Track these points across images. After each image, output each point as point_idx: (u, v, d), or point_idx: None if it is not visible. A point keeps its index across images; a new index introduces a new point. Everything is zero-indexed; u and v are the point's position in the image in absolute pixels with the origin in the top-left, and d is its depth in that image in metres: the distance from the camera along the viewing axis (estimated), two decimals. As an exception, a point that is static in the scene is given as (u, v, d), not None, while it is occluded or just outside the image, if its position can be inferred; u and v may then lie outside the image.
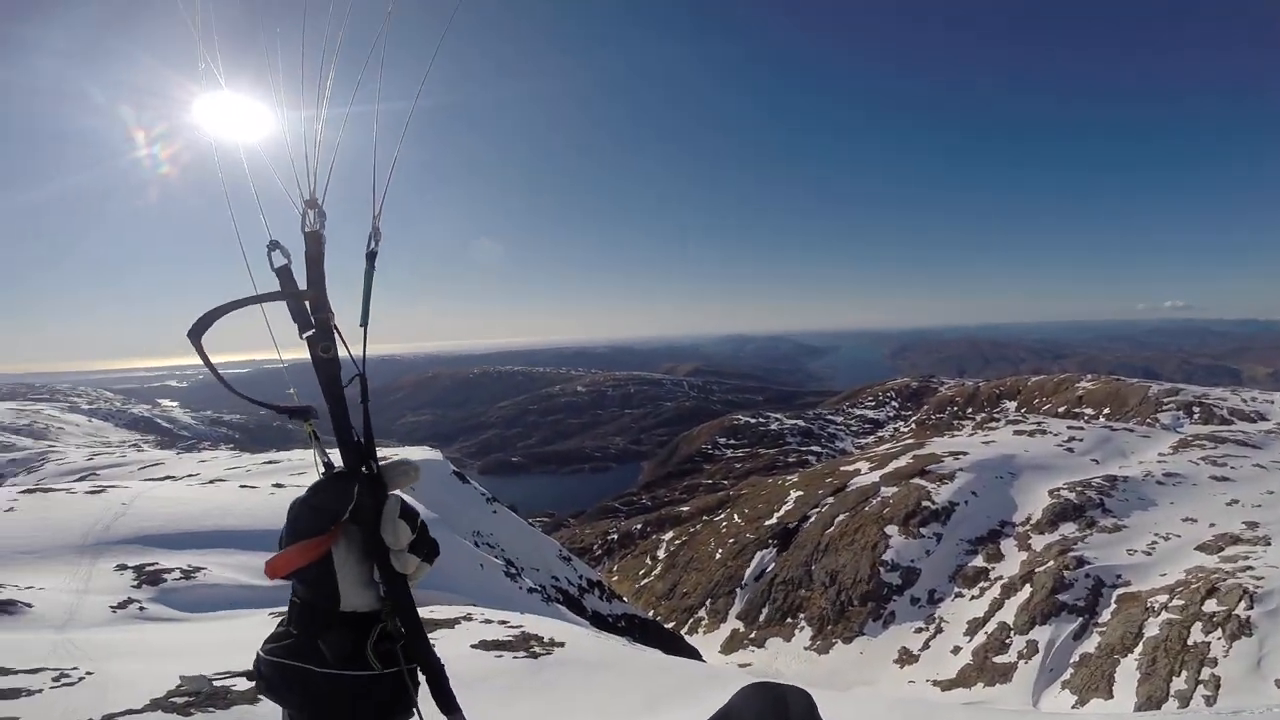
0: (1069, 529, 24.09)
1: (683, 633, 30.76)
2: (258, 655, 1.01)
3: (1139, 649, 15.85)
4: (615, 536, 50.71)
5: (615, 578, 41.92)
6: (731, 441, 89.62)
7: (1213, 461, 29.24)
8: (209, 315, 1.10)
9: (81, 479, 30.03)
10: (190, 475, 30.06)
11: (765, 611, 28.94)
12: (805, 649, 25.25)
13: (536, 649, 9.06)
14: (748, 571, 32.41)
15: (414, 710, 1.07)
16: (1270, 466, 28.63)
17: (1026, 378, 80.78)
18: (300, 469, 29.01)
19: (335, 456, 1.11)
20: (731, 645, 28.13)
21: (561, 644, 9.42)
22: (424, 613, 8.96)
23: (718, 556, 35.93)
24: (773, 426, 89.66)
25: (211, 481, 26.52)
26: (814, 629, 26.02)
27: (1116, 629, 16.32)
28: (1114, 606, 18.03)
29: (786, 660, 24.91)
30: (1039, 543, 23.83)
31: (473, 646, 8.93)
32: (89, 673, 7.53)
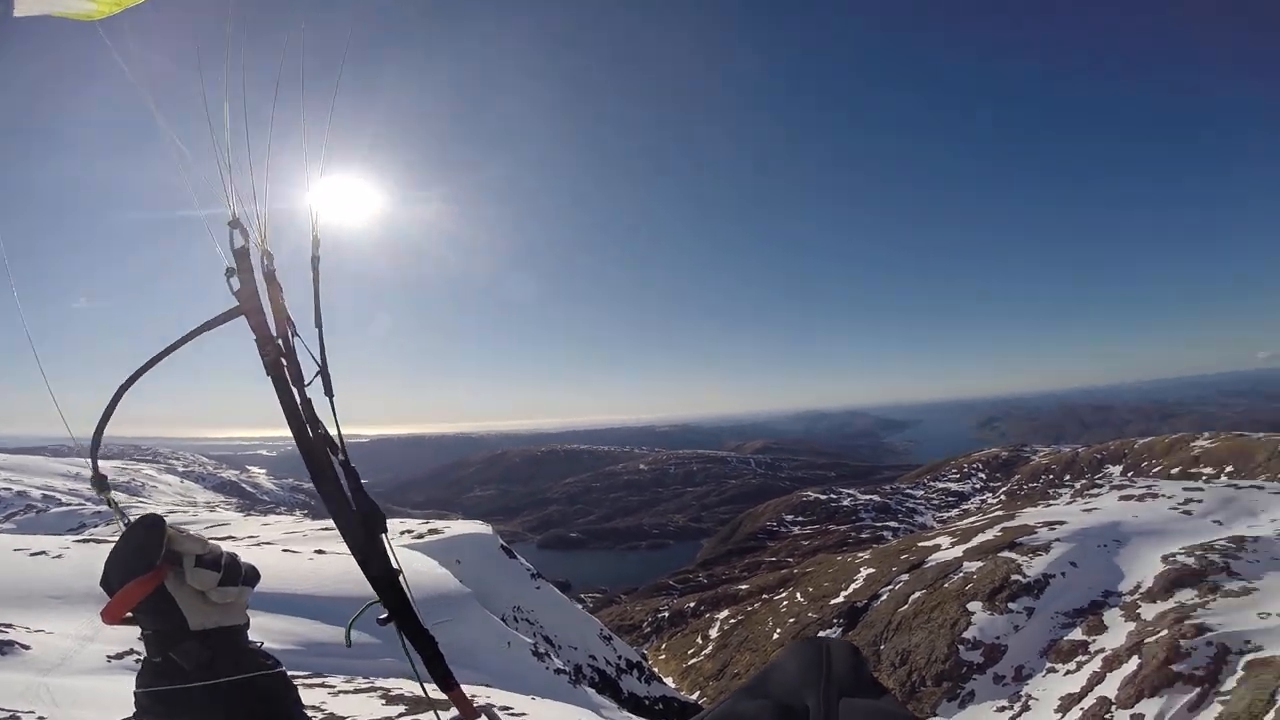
0: (1186, 595, 20.84)
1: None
2: (135, 695, 1.07)
3: (1269, 716, 13.49)
4: (666, 614, 48.60)
5: (663, 656, 39.69)
6: (799, 518, 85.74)
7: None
8: (145, 366, 1.23)
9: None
10: (250, 537, 30.84)
11: (826, 694, 25.91)
12: (869, 730, 22.16)
13: (526, 742, 8.04)
14: (808, 652, 29.54)
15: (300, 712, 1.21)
16: None
17: (1133, 440, 74.62)
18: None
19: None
20: (786, 728, 25.10)
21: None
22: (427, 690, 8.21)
23: (775, 636, 33.39)
24: (845, 502, 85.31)
25: (260, 544, 27.00)
26: (878, 711, 22.93)
27: (1243, 697, 13.71)
28: (1241, 674, 14.88)
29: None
30: (1150, 612, 20.72)
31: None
32: (41, 718, 7.62)
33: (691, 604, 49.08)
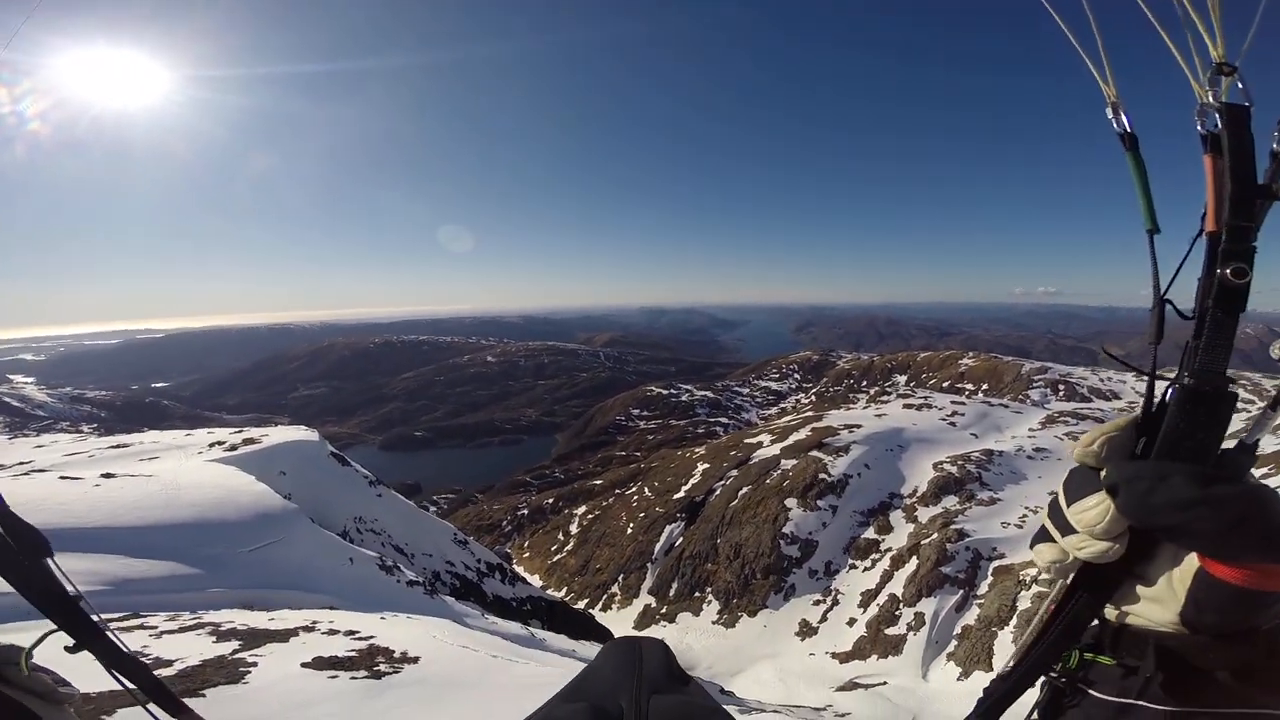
0: (950, 502, 24.92)
1: (596, 610, 29.85)
2: None
3: (1014, 621, 16.05)
4: (526, 511, 49.51)
5: (526, 554, 40.82)
6: (644, 413, 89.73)
7: (1074, 437, 31.14)
8: None
9: None
10: (20, 463, 25.67)
11: (675, 586, 28.62)
12: (713, 623, 25.14)
13: (382, 666, 7.77)
14: (658, 546, 31.94)
15: None
16: (1122, 443, 31.35)
17: (916, 353, 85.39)
18: (153, 453, 25.37)
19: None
20: (644, 622, 27.65)
21: (415, 659, 8.16)
22: (263, 620, 7.43)
23: (629, 531, 35.27)
24: (683, 398, 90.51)
25: (30, 472, 22.56)
26: (721, 602, 25.91)
27: (993, 601, 16.86)
28: (990, 579, 18.61)
29: (696, 635, 24.64)
30: (924, 515, 24.44)
31: (304, 665, 7.48)
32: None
33: (550, 500, 50.01)
